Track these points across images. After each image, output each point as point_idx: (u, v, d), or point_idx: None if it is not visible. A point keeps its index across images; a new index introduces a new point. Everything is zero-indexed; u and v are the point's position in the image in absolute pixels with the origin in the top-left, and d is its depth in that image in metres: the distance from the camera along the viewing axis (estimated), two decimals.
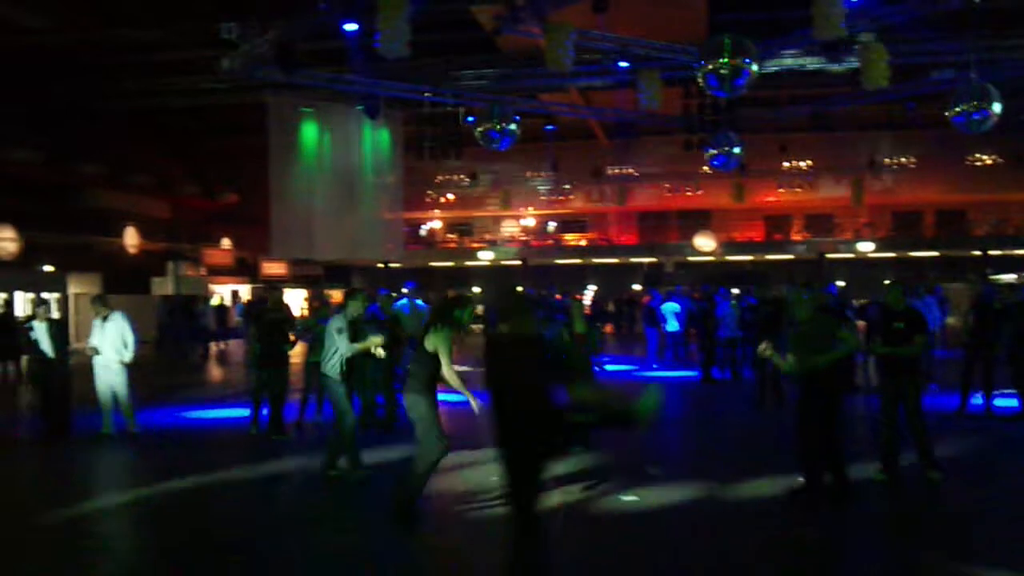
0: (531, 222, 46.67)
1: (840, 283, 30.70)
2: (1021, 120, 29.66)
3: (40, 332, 11.32)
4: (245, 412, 11.94)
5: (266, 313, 11.64)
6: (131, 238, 34.43)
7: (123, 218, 34.43)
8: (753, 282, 26.83)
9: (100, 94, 29.00)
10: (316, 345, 11.12)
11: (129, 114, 31.67)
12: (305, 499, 8.32)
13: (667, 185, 42.50)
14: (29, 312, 25.26)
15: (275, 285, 13.98)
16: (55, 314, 12.81)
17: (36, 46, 24.92)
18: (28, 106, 27.86)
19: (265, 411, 11.14)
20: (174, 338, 28.86)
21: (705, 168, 30.52)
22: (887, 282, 11.05)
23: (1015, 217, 40.44)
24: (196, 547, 6.76)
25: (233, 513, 7.81)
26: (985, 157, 39.30)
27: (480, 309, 36.94)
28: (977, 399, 12.10)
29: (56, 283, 29.68)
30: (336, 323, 8.54)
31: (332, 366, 8.47)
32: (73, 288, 30.72)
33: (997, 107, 18.81)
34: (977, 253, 40.13)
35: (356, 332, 8.79)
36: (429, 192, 44.18)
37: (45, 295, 24.32)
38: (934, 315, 15.48)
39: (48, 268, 30.15)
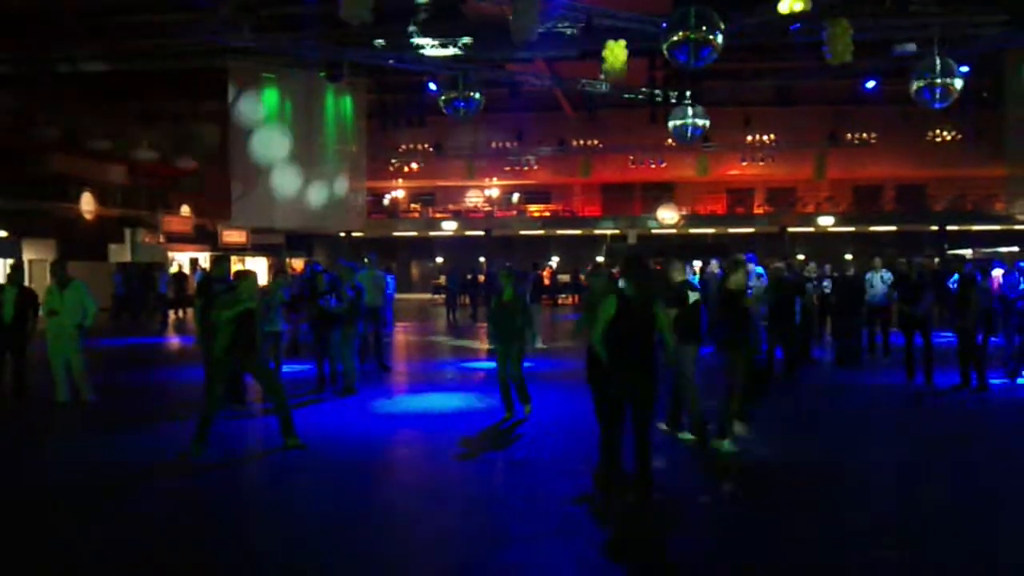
0: (495, 192, 46.54)
1: (800, 256, 30.98)
2: (982, 97, 30.02)
3: (8, 298, 11.19)
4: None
5: (213, 284, 11.07)
6: (87, 204, 33.81)
7: (79, 183, 33.79)
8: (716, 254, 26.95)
9: (58, 57, 28.33)
10: (269, 315, 10.98)
11: (87, 77, 30.98)
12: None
13: (631, 157, 42.50)
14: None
15: (223, 256, 13.74)
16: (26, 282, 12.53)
17: None
18: None
19: None
20: (130, 306, 28.54)
21: (669, 140, 30.55)
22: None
23: (973, 193, 40.99)
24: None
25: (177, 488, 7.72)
26: (945, 133, 39.76)
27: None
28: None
29: (10, 249, 29.14)
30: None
31: None
32: (28, 254, 30.18)
33: (958, 82, 18.99)
34: (935, 228, 40.68)
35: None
36: (392, 161, 43.86)
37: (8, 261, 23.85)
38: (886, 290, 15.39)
39: (2, 233, 29.57)
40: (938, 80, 18.90)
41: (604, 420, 7.01)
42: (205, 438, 8.38)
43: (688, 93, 27.34)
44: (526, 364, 10.45)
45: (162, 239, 37.64)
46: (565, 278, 37.68)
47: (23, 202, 30.33)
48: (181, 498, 7.27)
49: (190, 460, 8.16)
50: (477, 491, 7.37)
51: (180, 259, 37.29)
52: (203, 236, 40.28)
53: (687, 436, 8.80)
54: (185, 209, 40.14)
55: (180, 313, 29.68)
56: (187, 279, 31.60)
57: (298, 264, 31.47)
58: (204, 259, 37.96)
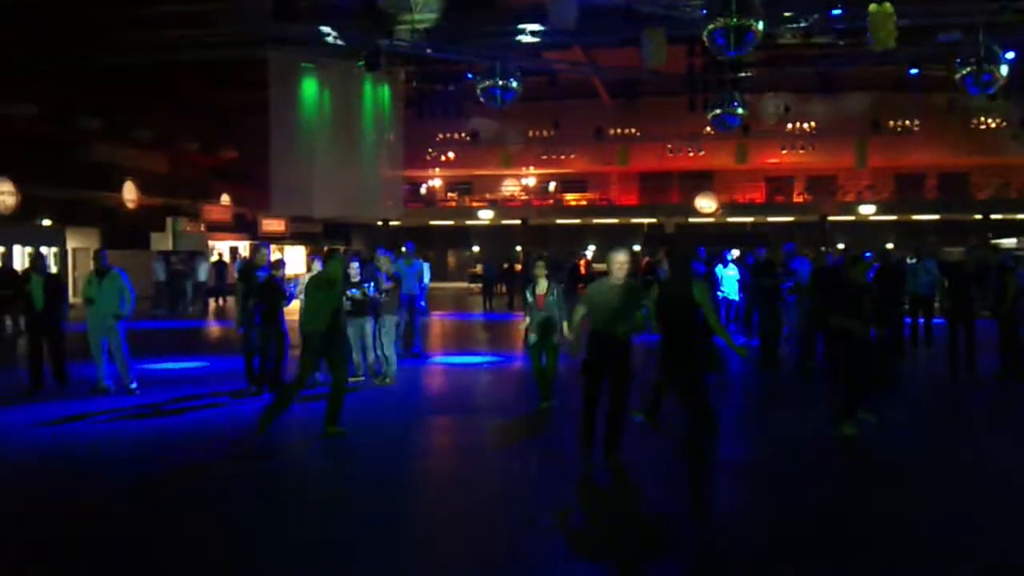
0: (532, 181, 46.47)
1: (840, 245, 30.65)
2: None
3: (36, 285, 11.29)
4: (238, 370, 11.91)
5: (254, 271, 11.33)
6: (130, 193, 34.25)
7: (122, 173, 34.23)
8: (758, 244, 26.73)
9: (100, 47, 28.67)
10: None
11: (128, 68, 31.31)
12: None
13: (669, 145, 42.21)
14: (27, 265, 25.26)
15: (261, 244, 13.99)
16: (52, 268, 12.69)
17: None
18: (27, 59, 27.54)
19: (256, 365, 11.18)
20: (172, 294, 28.88)
21: (708, 128, 30.28)
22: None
23: (1017, 181, 40.26)
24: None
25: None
26: (989, 120, 39.09)
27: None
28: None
29: (55, 237, 29.60)
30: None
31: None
32: (71, 243, 30.66)
33: (1003, 69, 18.63)
34: (979, 217, 40.02)
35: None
36: (430, 150, 43.94)
37: (43, 249, 24.25)
38: (930, 280, 15.15)
39: (46, 222, 30.05)
40: (983, 67, 18.53)
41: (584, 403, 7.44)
42: (273, 419, 8.64)
43: (729, 80, 27.06)
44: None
45: (203, 228, 38.05)
46: (601, 267, 37.53)
47: (67, 191, 30.78)
48: (225, 484, 7.35)
49: (257, 438, 8.50)
50: (505, 481, 7.41)
51: (220, 247, 37.69)
52: (243, 225, 40.68)
53: (637, 414, 8.66)
54: (225, 198, 40.54)
55: (220, 301, 30.00)
56: (227, 267, 31.94)
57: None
58: (244, 247, 38.33)
